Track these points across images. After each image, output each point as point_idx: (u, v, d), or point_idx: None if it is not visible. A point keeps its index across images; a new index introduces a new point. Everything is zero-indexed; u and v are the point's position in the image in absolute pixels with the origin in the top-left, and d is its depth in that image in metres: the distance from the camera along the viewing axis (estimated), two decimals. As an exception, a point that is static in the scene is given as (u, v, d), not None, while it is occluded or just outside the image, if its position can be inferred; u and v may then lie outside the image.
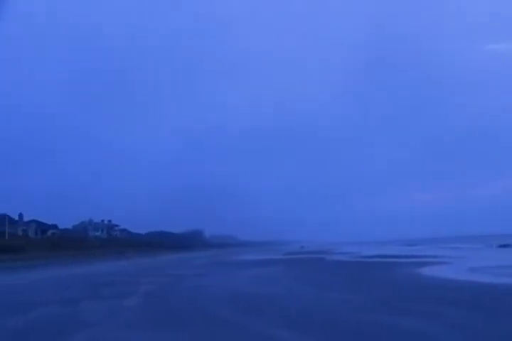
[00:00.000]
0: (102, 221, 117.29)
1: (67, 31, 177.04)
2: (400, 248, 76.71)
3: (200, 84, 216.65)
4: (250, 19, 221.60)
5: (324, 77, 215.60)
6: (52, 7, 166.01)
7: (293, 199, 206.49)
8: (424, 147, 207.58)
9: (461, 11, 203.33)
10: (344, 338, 8.59)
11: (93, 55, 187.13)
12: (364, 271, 28.21)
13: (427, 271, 24.45)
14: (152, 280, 23.38)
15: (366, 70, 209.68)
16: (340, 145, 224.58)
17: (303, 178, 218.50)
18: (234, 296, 15.71)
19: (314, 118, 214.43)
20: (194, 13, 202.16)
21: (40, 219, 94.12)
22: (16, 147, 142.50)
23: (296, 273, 27.05)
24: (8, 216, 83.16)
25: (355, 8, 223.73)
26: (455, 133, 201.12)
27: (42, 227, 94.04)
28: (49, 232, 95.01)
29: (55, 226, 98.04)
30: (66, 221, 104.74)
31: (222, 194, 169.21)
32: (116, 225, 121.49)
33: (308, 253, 68.67)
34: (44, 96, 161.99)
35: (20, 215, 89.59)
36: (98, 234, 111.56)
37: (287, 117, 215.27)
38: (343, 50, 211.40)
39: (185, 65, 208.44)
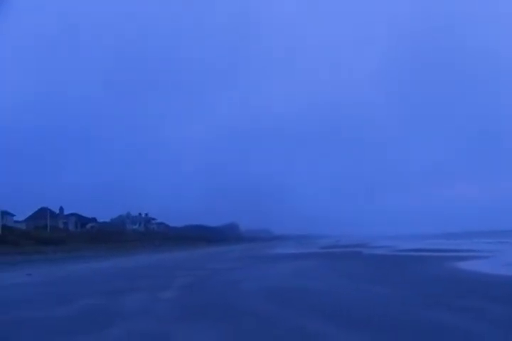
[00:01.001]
0: (140, 214, 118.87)
1: (106, 20, 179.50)
2: (438, 242, 75.56)
3: (239, 80, 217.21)
4: (283, 14, 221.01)
5: (362, 74, 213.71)
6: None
7: (329, 193, 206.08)
8: (463, 141, 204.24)
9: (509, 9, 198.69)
10: (382, 332, 8.44)
11: (135, 44, 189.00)
12: (402, 265, 27.82)
13: (466, 266, 23.96)
14: (188, 273, 23.53)
15: (404, 66, 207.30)
16: (378, 139, 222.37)
17: (340, 172, 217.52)
18: (270, 290, 15.66)
19: (352, 114, 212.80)
20: (228, 9, 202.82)
21: (79, 213, 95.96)
22: (57, 141, 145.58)
23: (333, 267, 26.84)
24: (49, 209, 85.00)
25: (393, 2, 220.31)
26: (495, 127, 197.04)
27: (81, 220, 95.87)
28: (88, 225, 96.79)
29: (94, 220, 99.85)
30: (105, 214, 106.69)
31: (258, 188, 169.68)
32: (154, 219, 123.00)
33: (345, 246, 68.17)
34: (87, 89, 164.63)
35: (61, 209, 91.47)
36: (135, 227, 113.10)
37: (325, 113, 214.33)
38: (381, 46, 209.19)
39: (228, 61, 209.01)
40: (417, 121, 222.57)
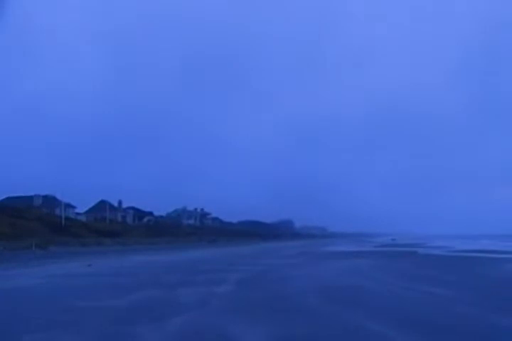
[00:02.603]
0: (195, 209, 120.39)
1: (179, 18, 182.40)
2: (496, 243, 73.30)
3: (307, 79, 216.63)
4: (364, 10, 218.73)
5: (438, 66, 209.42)
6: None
7: (386, 191, 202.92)
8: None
9: None
10: (435, 333, 8.32)
11: (207, 42, 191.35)
12: (460, 266, 27.19)
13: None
14: (243, 268, 23.74)
15: (481, 59, 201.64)
16: (440, 137, 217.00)
17: (399, 170, 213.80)
18: (324, 287, 15.65)
19: (416, 112, 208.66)
20: (302, 8, 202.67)
21: (137, 206, 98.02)
22: (118, 137, 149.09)
23: (387, 267, 26.51)
24: (108, 202, 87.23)
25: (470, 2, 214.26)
26: None
27: (139, 214, 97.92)
28: (145, 219, 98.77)
29: (150, 214, 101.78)
30: (161, 208, 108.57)
31: (314, 185, 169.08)
32: (209, 214, 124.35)
33: (400, 246, 67.11)
34: (155, 85, 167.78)
35: (120, 202, 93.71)
36: (191, 221, 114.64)
37: (388, 112, 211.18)
38: (457, 39, 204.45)
39: (298, 55, 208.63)
40: (484, 120, 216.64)
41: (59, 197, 73.43)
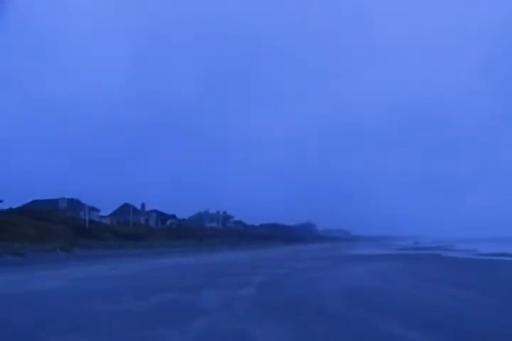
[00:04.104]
0: (218, 212, 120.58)
1: (202, 21, 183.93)
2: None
3: (330, 79, 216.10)
4: (385, 10, 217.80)
5: (460, 67, 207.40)
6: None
7: (409, 194, 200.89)
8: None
9: None
10: (458, 337, 8.25)
11: (229, 45, 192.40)
12: (484, 269, 26.86)
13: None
14: (265, 271, 23.75)
15: (504, 59, 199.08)
16: (463, 140, 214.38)
17: (422, 172, 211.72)
18: (347, 290, 15.59)
19: (439, 113, 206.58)
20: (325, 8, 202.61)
21: (160, 210, 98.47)
22: (142, 140, 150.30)
23: (410, 270, 26.31)
24: (132, 205, 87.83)
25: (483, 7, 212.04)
26: None
27: (162, 217, 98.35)
28: (168, 222, 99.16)
29: (173, 217, 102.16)
30: (184, 211, 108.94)
31: (337, 187, 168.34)
32: (231, 217, 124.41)
33: (423, 249, 66.54)
34: (180, 87, 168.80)
35: (143, 205, 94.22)
36: (213, 224, 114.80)
37: (410, 113, 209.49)
38: (481, 39, 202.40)
39: (318, 57, 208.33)
40: (506, 121, 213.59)
41: (83, 200, 74.22)
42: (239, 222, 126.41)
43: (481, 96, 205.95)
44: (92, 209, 76.78)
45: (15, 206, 66.00)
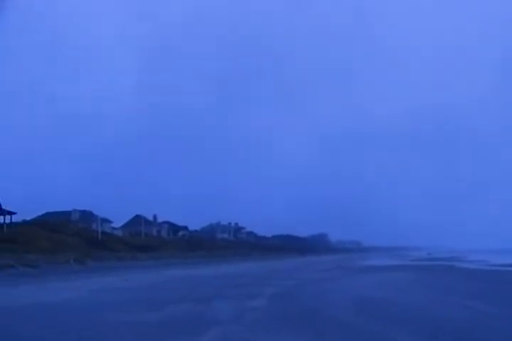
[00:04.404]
0: (229, 223, 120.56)
1: (215, 24, 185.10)
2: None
3: (342, 85, 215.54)
4: (395, 16, 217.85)
5: (479, 68, 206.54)
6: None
7: (421, 204, 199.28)
8: None
9: None
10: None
11: (240, 54, 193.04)
12: (498, 280, 26.67)
13: None
14: (277, 283, 23.73)
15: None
16: (479, 147, 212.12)
17: (435, 183, 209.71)
18: (360, 302, 15.56)
19: (457, 117, 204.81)
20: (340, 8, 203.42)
21: (172, 221, 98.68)
22: (152, 151, 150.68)
23: (423, 280, 26.18)
24: (144, 217, 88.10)
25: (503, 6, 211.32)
26: None
27: (174, 228, 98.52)
28: (180, 233, 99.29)
29: (185, 228, 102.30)
30: (196, 223, 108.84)
31: (349, 198, 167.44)
32: (243, 228, 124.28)
33: (437, 259, 66.09)
34: (190, 98, 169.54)
35: (155, 216, 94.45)
36: (225, 236, 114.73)
37: (426, 116, 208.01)
38: (501, 39, 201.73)
39: (331, 63, 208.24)
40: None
41: (96, 212, 74.55)
42: (251, 233, 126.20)
43: (503, 100, 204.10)
44: (105, 220, 77.09)
45: (28, 218, 66.64)
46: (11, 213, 57.41)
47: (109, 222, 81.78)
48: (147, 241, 74.81)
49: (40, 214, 73.27)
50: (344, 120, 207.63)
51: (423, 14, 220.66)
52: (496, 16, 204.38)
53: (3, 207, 53.89)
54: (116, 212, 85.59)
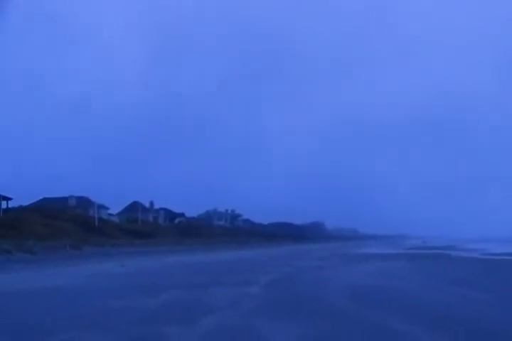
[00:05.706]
0: (226, 211, 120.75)
1: (223, 16, 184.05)
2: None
3: (345, 76, 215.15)
4: (406, 9, 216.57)
5: (484, 67, 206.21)
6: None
7: (417, 193, 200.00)
8: None
9: None
10: (467, 336, 8.28)
11: (247, 46, 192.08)
12: (493, 269, 26.81)
13: None
14: (274, 270, 23.81)
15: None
16: (477, 138, 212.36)
17: (432, 172, 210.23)
18: (355, 289, 15.64)
19: (456, 109, 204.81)
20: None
21: (169, 208, 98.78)
22: (150, 138, 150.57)
23: (419, 269, 26.29)
24: (140, 203, 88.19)
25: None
26: None
27: (170, 215, 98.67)
28: (176, 220, 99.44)
29: (182, 215, 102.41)
30: (192, 210, 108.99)
31: (345, 186, 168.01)
32: (240, 215, 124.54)
33: (432, 248, 66.36)
34: (194, 86, 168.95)
35: (151, 203, 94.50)
36: (222, 223, 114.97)
37: (425, 107, 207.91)
38: (506, 38, 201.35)
39: (338, 55, 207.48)
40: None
41: (92, 198, 74.59)
42: (247, 221, 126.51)
43: (505, 97, 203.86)
44: (101, 207, 77.12)
45: (25, 204, 66.63)
46: (7, 199, 57.46)
47: (106, 208, 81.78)
48: (144, 227, 74.96)
49: (37, 200, 73.19)
50: (341, 110, 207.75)
51: (426, 12, 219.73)
52: (499, 15, 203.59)
53: (0, 193, 53.89)
54: (113, 198, 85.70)
